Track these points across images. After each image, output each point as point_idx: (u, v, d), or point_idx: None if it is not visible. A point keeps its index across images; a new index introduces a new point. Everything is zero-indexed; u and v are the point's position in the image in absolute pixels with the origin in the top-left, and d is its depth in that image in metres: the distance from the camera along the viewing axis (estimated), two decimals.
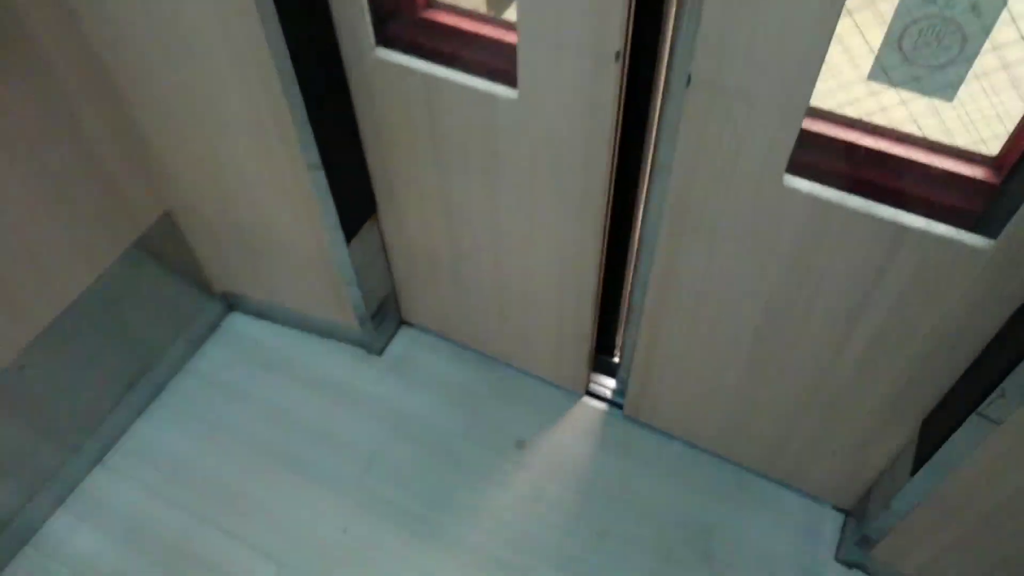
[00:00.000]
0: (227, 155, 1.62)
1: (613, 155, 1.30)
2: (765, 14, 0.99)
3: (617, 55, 1.12)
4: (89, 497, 1.80)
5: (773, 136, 1.12)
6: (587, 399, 1.95)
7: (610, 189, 1.38)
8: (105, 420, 1.84)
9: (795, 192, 1.18)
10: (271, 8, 1.25)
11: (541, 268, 1.62)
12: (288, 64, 1.33)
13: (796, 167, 1.18)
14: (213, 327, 2.11)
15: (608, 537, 1.72)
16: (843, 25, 1.01)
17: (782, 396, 1.55)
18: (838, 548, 1.69)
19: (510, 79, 1.30)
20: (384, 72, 1.40)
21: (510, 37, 1.35)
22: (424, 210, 1.67)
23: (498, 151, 1.41)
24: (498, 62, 1.35)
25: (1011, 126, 1.03)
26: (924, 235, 1.11)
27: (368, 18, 1.33)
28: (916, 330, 1.25)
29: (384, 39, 1.38)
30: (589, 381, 1.94)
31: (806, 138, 1.18)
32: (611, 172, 1.33)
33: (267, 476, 1.83)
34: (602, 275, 1.59)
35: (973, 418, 1.19)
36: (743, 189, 1.22)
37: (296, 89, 1.36)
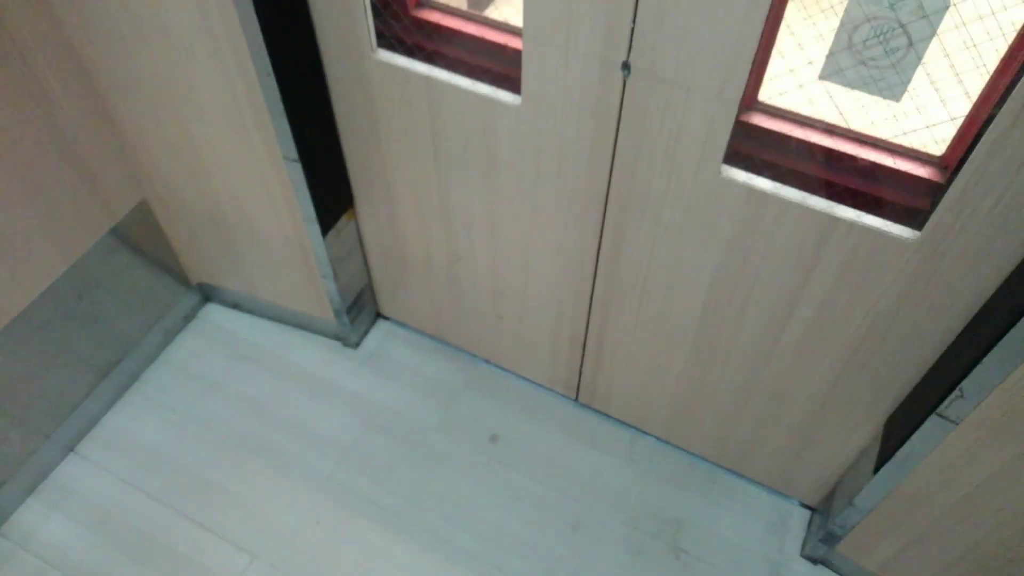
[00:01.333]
0: (204, 143, 1.62)
1: (613, 159, 1.31)
2: (696, 7, 1.02)
3: (624, 65, 1.14)
4: (61, 486, 1.80)
5: (709, 126, 1.15)
6: (560, 392, 1.97)
7: (609, 191, 1.39)
8: (78, 409, 1.83)
9: (732, 182, 1.21)
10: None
11: (539, 271, 1.63)
12: (265, 56, 1.33)
13: (743, 160, 1.21)
14: (189, 317, 2.10)
15: (580, 530, 1.74)
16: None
17: (726, 381, 1.59)
18: (804, 544, 1.72)
19: (509, 83, 1.30)
20: (384, 74, 1.40)
21: (504, 39, 1.35)
22: (421, 210, 1.67)
23: (499, 155, 1.43)
24: (493, 64, 1.35)
25: (957, 122, 1.07)
26: (853, 226, 1.16)
27: (370, 20, 1.33)
28: (849, 318, 1.29)
29: (379, 38, 1.38)
30: (581, 384, 1.93)
31: (752, 132, 1.22)
32: (611, 175, 1.35)
33: (240, 467, 1.83)
34: (596, 275, 1.61)
35: (933, 418, 1.22)
36: (682, 177, 1.25)
37: (272, 81, 1.36)
